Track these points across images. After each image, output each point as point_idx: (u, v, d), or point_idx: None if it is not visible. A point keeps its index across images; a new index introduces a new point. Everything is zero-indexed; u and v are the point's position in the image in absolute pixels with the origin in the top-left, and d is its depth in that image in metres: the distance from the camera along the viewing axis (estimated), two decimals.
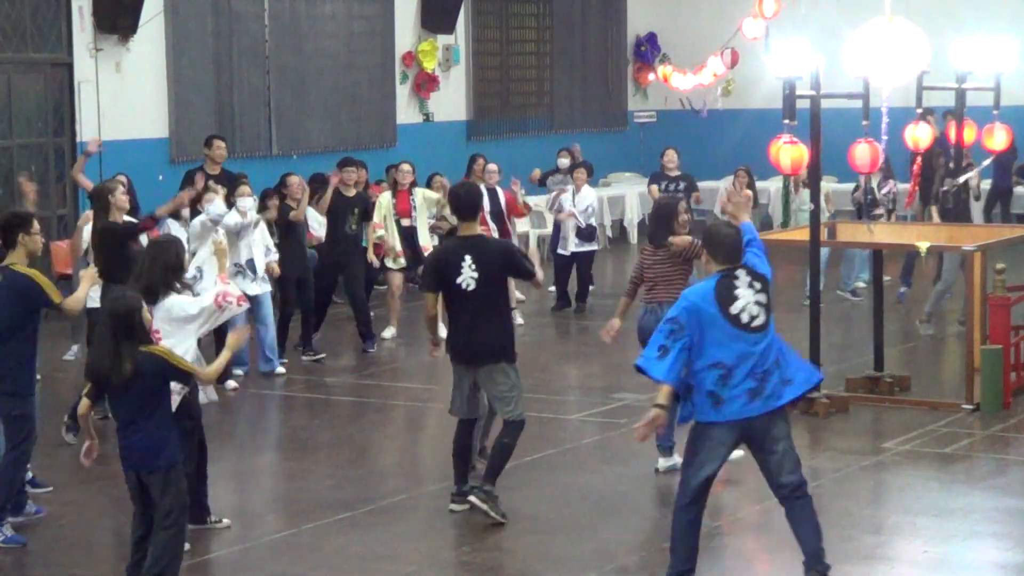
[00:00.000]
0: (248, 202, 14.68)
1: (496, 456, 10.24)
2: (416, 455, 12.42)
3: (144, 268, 9.58)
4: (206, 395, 10.05)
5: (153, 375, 8.40)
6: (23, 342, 9.89)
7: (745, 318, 8.37)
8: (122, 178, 16.26)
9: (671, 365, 8.38)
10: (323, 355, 15.76)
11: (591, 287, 19.08)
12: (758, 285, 8.45)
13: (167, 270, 9.49)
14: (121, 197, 12.56)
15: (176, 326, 9.46)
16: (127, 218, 12.93)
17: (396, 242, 16.66)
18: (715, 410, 8.40)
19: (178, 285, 9.57)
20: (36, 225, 10.11)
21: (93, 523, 10.36)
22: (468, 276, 10.07)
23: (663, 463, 11.29)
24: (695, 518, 8.58)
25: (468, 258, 10.07)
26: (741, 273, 8.46)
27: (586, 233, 18.51)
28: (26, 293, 9.82)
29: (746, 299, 8.38)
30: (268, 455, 12.39)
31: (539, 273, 10.65)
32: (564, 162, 19.78)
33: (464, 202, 10.35)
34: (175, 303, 9.51)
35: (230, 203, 14.66)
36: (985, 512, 10.36)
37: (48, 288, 9.89)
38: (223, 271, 10.06)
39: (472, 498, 10.13)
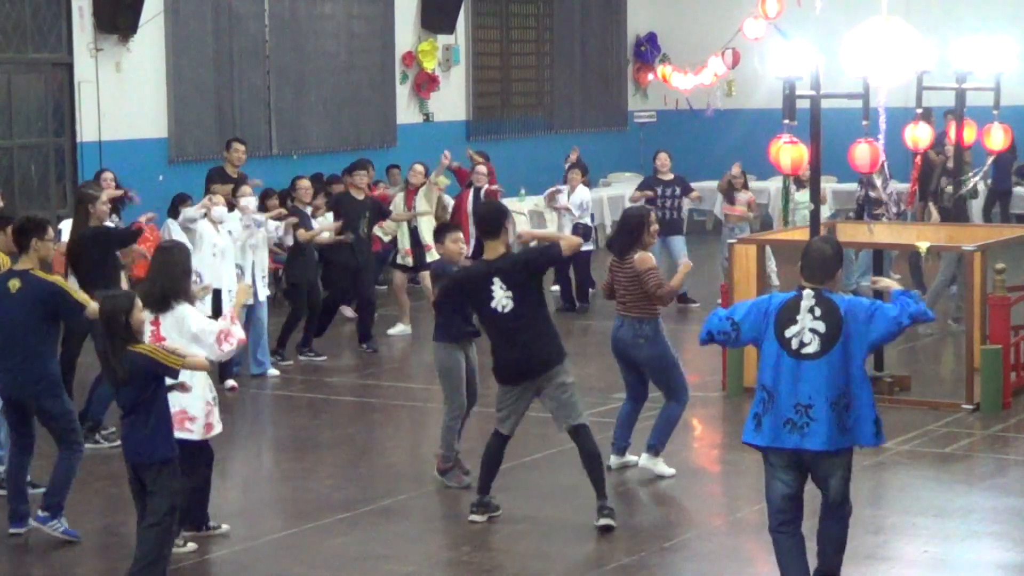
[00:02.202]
0: (252, 201, 14.70)
1: (593, 470, 10.08)
2: (416, 455, 12.40)
3: (154, 275, 9.51)
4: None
5: (142, 373, 8.45)
6: (47, 343, 9.90)
7: (795, 344, 8.06)
8: (108, 175, 16.31)
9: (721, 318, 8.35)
10: (324, 356, 15.76)
11: (591, 289, 19.07)
12: (818, 311, 8.08)
13: (176, 277, 9.38)
14: (101, 208, 12.44)
15: (178, 337, 9.25)
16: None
17: (406, 241, 16.74)
18: (756, 432, 8.16)
19: (187, 292, 9.44)
20: (51, 232, 10.10)
21: (93, 523, 10.35)
22: (502, 297, 9.93)
23: (615, 461, 11.32)
24: (786, 540, 8.25)
25: (497, 280, 9.94)
26: (809, 296, 8.14)
27: (581, 232, 18.47)
28: (50, 300, 9.84)
29: (803, 324, 8.08)
30: (268, 455, 12.39)
31: (566, 238, 10.26)
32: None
33: (487, 221, 10.20)
34: (187, 315, 9.33)
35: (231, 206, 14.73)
36: (985, 512, 10.36)
37: (70, 289, 9.93)
38: (237, 306, 9.91)
39: (603, 521, 9.97)
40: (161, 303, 9.26)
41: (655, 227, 11.11)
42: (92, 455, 11.96)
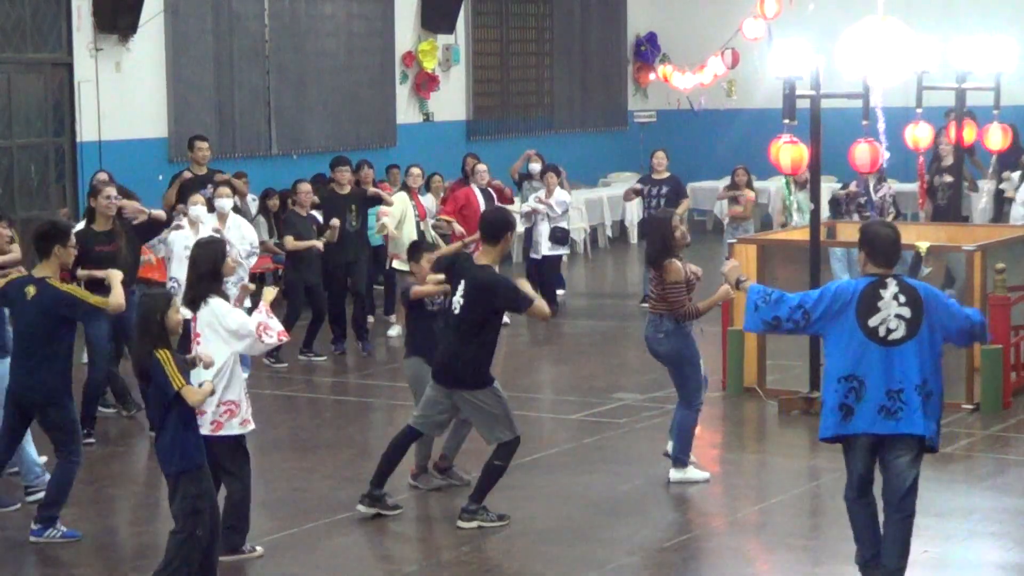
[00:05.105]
0: (227, 203, 14.60)
1: (485, 477, 10.15)
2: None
3: (190, 274, 9.40)
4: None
5: (157, 378, 8.38)
6: (59, 352, 9.82)
7: (882, 331, 8.19)
8: (103, 176, 16.31)
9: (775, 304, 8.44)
10: (324, 356, 15.79)
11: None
12: (903, 299, 8.21)
13: (202, 274, 9.24)
14: (103, 202, 12.46)
15: (213, 335, 9.16)
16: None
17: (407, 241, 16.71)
18: (844, 423, 8.26)
19: (216, 289, 9.26)
20: (73, 238, 10.05)
21: (93, 523, 10.34)
22: (458, 298, 10.06)
23: (675, 475, 11.16)
24: (868, 509, 8.48)
25: (463, 283, 10.06)
26: (891, 283, 8.24)
27: (560, 236, 18.47)
28: (66, 310, 9.77)
29: (887, 311, 8.20)
30: (268, 455, 12.36)
31: (539, 302, 10.23)
32: (536, 167, 19.72)
33: (490, 227, 10.30)
34: (221, 311, 9.20)
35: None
36: (985, 512, 10.36)
37: (84, 296, 9.84)
38: (267, 301, 9.63)
39: (460, 523, 10.07)
40: (192, 300, 9.18)
41: (680, 232, 11.07)
42: (92, 456, 11.97)
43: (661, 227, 11.11)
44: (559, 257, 18.65)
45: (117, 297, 9.92)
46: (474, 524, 10.05)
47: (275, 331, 9.24)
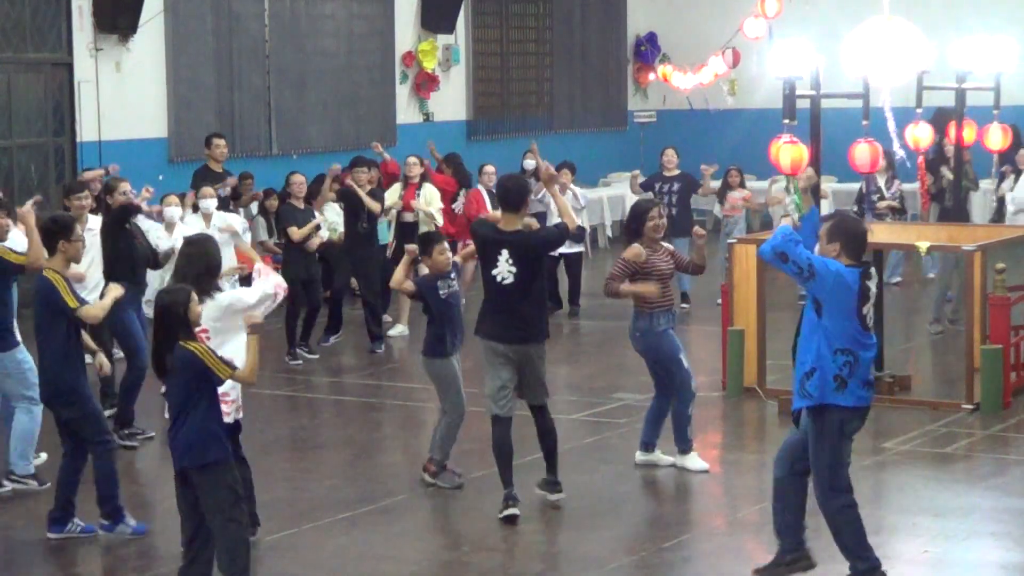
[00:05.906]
0: (211, 203, 14.67)
1: (547, 444, 10.49)
2: (416, 455, 12.38)
3: (179, 270, 9.32)
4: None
5: (190, 370, 8.30)
6: (62, 344, 9.75)
7: (869, 320, 8.58)
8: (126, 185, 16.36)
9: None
10: (316, 355, 15.76)
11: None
12: (877, 288, 8.82)
13: (198, 273, 9.13)
14: (120, 198, 12.58)
15: (231, 320, 9.08)
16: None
17: (387, 235, 16.79)
18: (839, 392, 8.50)
19: (214, 287, 9.20)
20: (78, 231, 9.98)
21: (92, 522, 10.33)
22: (505, 270, 10.13)
23: (638, 457, 11.47)
24: (857, 509, 8.68)
25: (505, 252, 10.14)
26: (874, 274, 8.68)
27: (576, 234, 18.38)
28: (45, 295, 9.71)
29: (872, 301, 8.62)
30: (268, 455, 12.37)
31: (567, 219, 10.54)
32: (530, 164, 19.68)
33: (512, 195, 10.34)
34: (233, 298, 9.28)
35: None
36: (985, 512, 10.36)
37: (64, 292, 9.69)
38: (255, 261, 9.75)
39: (552, 497, 10.43)
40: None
41: (654, 223, 11.07)
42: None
43: (638, 212, 11.24)
44: (580, 254, 18.62)
45: (97, 307, 9.89)
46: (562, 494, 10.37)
47: (283, 288, 9.46)
